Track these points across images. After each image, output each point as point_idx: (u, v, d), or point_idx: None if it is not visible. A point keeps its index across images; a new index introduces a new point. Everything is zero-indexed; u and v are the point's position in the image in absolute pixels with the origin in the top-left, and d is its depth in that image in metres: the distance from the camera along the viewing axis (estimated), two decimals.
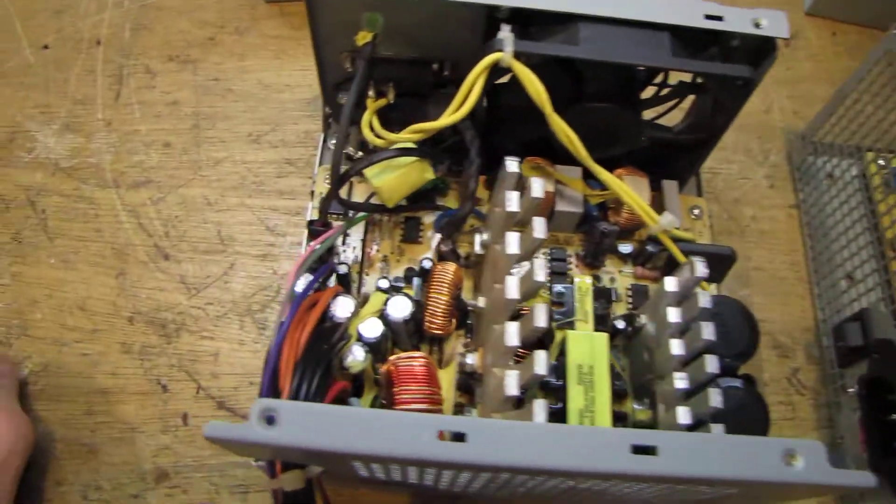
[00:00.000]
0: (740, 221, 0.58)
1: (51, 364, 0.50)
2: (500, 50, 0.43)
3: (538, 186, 0.43)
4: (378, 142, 0.47)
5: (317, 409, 0.36)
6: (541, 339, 0.46)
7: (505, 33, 0.43)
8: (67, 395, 0.50)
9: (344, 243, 0.51)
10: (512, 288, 0.40)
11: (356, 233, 0.52)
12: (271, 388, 0.41)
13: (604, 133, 0.49)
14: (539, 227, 0.41)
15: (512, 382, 0.38)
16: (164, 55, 0.61)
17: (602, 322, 0.46)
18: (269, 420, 0.33)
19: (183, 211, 0.55)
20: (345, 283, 0.50)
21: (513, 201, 0.42)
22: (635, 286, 0.51)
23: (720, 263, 0.49)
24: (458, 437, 0.33)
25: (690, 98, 0.52)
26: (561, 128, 0.45)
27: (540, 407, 0.37)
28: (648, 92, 0.51)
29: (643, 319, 0.47)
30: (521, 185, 0.51)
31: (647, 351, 0.46)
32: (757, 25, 0.45)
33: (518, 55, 0.43)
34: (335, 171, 0.45)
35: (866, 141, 0.55)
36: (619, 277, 0.52)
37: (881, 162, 0.56)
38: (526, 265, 0.42)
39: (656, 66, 0.45)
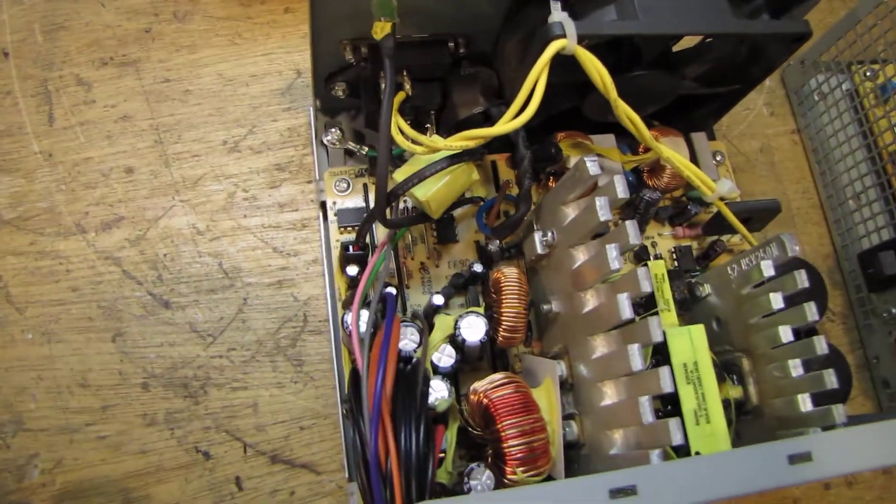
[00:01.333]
0: (749, 156, 0.57)
1: (65, 458, 0.43)
2: (560, 35, 0.38)
3: (622, 187, 0.39)
4: (417, 149, 0.41)
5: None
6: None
7: (559, 14, 0.38)
8: (95, 488, 0.43)
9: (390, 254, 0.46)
10: (625, 306, 0.37)
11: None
12: (377, 470, 0.37)
13: (641, 96, 0.46)
14: (632, 231, 0.38)
15: (647, 408, 0.36)
16: (94, 59, 0.51)
17: (684, 306, 0.44)
18: None
19: (171, 247, 0.48)
20: (393, 306, 0.45)
21: (606, 210, 0.38)
22: (678, 248, 0.50)
23: (765, 215, 0.48)
24: (629, 490, 0.31)
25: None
26: (626, 113, 0.41)
27: (676, 426, 0.35)
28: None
29: (707, 289, 0.46)
30: (564, 162, 0.47)
31: (717, 321, 0.45)
32: None
33: (580, 38, 0.38)
34: (380, 193, 0.39)
35: (845, 56, 0.55)
36: (660, 240, 0.50)
37: (868, 74, 0.56)
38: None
39: (720, 32, 0.42)
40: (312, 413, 0.46)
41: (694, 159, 0.50)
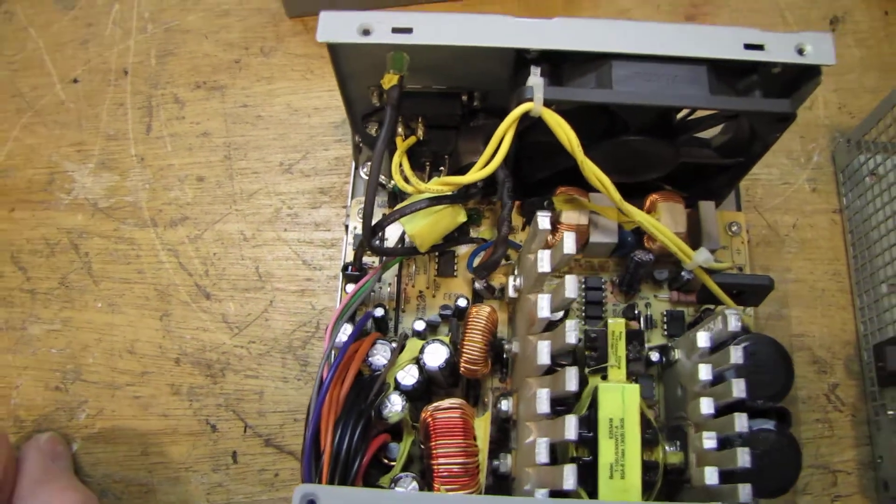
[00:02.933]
0: (780, 231, 0.57)
1: (105, 408, 0.53)
2: (530, 99, 0.42)
3: (570, 242, 0.42)
4: (408, 189, 0.47)
5: (354, 494, 0.37)
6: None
7: (535, 79, 0.42)
8: (124, 437, 0.52)
9: (379, 280, 0.52)
10: (543, 353, 0.40)
11: (392, 269, 0.52)
12: (313, 448, 0.43)
13: (639, 161, 0.48)
14: (570, 286, 0.41)
15: (543, 451, 0.39)
16: (191, 82, 0.61)
17: (636, 365, 0.46)
18: None
19: (221, 248, 0.56)
20: (382, 325, 0.51)
21: (545, 262, 0.42)
22: (671, 312, 0.51)
23: (758, 291, 0.49)
24: None
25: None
26: (592, 171, 0.44)
27: (570, 472, 0.38)
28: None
29: (678, 354, 0.47)
30: (557, 217, 0.51)
31: (681, 387, 0.46)
32: (801, 52, 0.43)
33: (548, 103, 0.42)
34: (366, 223, 0.45)
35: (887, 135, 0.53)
36: (654, 302, 0.52)
37: None
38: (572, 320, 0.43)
39: (693, 106, 0.44)
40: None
41: (696, 224, 0.51)
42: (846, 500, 0.51)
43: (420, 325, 0.49)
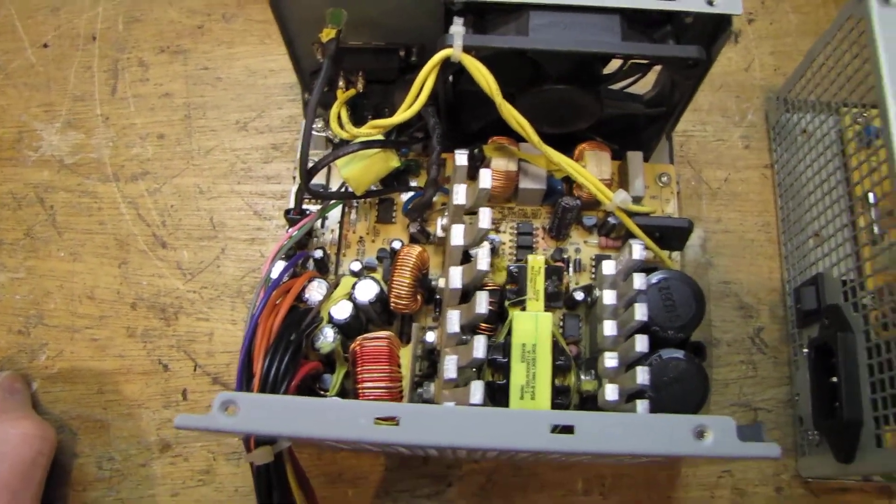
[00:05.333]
0: (711, 185, 0.59)
1: (64, 350, 0.56)
2: (450, 45, 0.44)
3: (486, 177, 0.45)
4: (343, 134, 0.50)
5: (269, 399, 0.40)
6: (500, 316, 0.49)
7: (456, 28, 0.45)
8: (81, 377, 0.55)
9: (323, 226, 0.55)
10: (455, 278, 0.42)
11: (334, 215, 0.55)
12: (244, 372, 0.45)
13: (566, 111, 0.51)
14: (484, 217, 0.44)
15: (451, 367, 0.41)
16: (155, 47, 0.64)
17: (555, 299, 0.48)
18: (229, 410, 0.37)
19: (178, 200, 0.59)
20: (323, 267, 0.53)
21: (460, 194, 0.44)
22: (599, 256, 0.54)
23: (678, 234, 0.51)
24: (392, 420, 0.37)
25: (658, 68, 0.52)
26: (511, 115, 0.46)
27: (477, 388, 0.40)
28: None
29: (598, 292, 0.50)
30: (486, 164, 0.53)
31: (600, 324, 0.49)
32: (710, 2, 0.45)
33: (467, 49, 0.45)
34: (303, 165, 0.48)
35: (839, 96, 0.55)
36: (584, 248, 0.54)
37: (860, 120, 0.56)
38: (484, 247, 0.45)
39: (604, 52, 0.46)
40: None
41: (625, 175, 0.54)
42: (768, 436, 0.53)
43: (356, 266, 0.52)
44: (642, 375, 0.41)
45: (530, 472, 0.52)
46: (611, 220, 0.52)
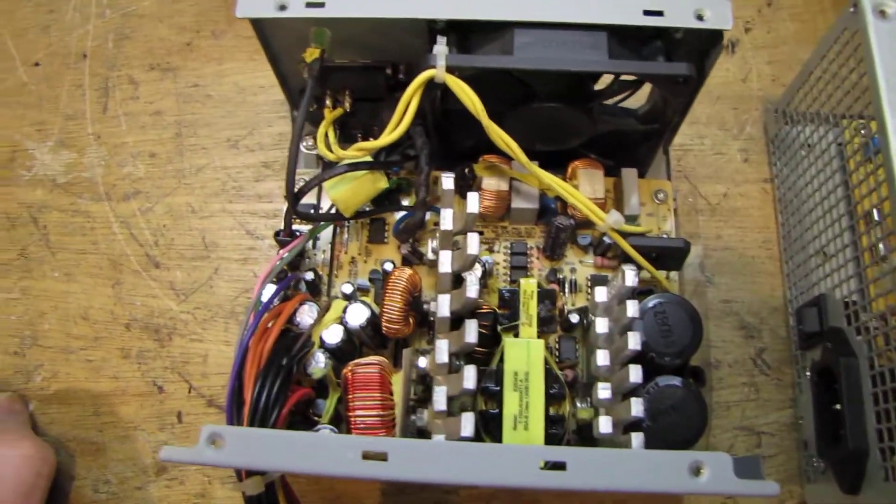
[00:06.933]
0: (710, 200, 0.58)
1: (60, 371, 0.55)
2: (433, 66, 0.44)
3: (474, 202, 0.44)
4: (330, 156, 0.49)
5: (256, 434, 0.39)
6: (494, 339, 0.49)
7: (439, 48, 0.44)
8: (76, 398, 0.55)
9: (315, 247, 0.54)
10: (444, 306, 0.42)
11: (327, 235, 0.54)
12: (234, 398, 0.45)
13: (557, 128, 0.50)
14: (472, 243, 0.43)
15: (440, 399, 0.41)
16: (145, 64, 0.64)
17: (548, 323, 0.48)
18: (216, 443, 0.37)
19: (170, 220, 0.59)
20: (314, 289, 0.53)
21: (447, 220, 0.44)
22: (595, 276, 0.53)
23: (675, 254, 0.50)
24: (381, 456, 0.36)
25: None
26: (498, 135, 0.46)
27: (467, 420, 0.40)
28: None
29: (592, 316, 0.49)
30: (478, 183, 0.52)
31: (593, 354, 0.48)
32: (700, 17, 0.44)
33: (451, 69, 0.44)
34: (290, 188, 0.47)
35: (838, 109, 0.54)
36: (580, 267, 0.53)
37: (863, 132, 0.55)
38: (473, 273, 0.45)
39: (590, 70, 0.45)
40: None
41: (619, 192, 0.53)
42: (770, 460, 0.52)
43: (348, 288, 0.51)
44: (636, 407, 0.41)
45: (531, 498, 0.52)
46: (606, 239, 0.51)
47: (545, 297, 0.48)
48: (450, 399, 0.43)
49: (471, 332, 0.41)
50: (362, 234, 0.54)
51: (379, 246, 0.54)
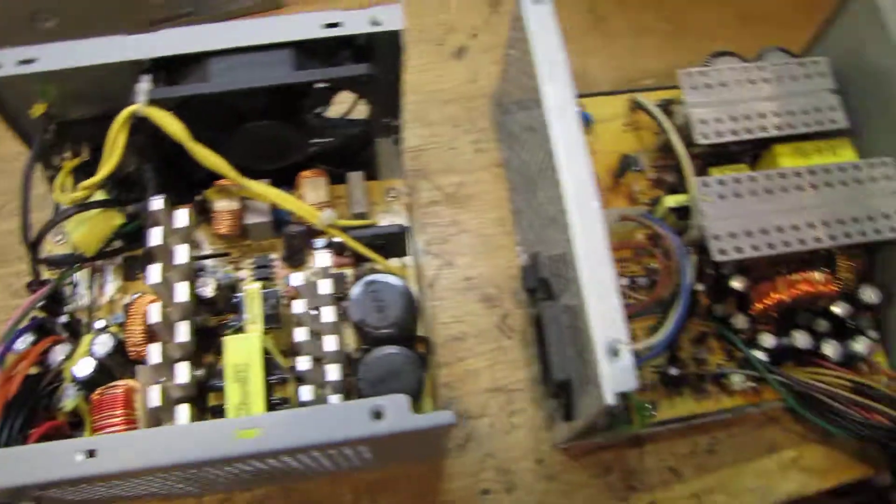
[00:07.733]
0: (446, 190, 0.63)
1: None
2: (133, 102, 0.47)
3: (183, 217, 0.48)
4: (64, 200, 0.52)
5: None
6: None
7: (142, 84, 0.48)
8: None
9: (74, 292, 0.57)
10: (154, 314, 0.45)
11: (85, 279, 0.57)
12: None
13: (274, 145, 0.54)
14: (181, 253, 0.46)
15: (154, 396, 0.44)
16: None
17: (274, 320, 0.51)
18: None
19: None
20: (74, 330, 0.55)
21: (154, 237, 0.47)
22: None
23: (396, 240, 0.55)
24: (91, 453, 0.39)
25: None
26: (203, 155, 0.50)
27: (182, 411, 0.43)
28: None
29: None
30: (210, 207, 0.56)
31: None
32: (375, 23, 0.49)
33: (155, 102, 0.48)
34: (26, 237, 0.50)
35: (530, 93, 0.60)
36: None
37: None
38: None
39: (276, 84, 0.49)
40: None
41: (349, 195, 0.57)
42: (521, 413, 0.56)
43: (100, 324, 0.54)
44: (333, 373, 0.44)
45: (301, 497, 0.54)
46: (335, 239, 0.56)
47: (269, 297, 0.52)
48: (177, 400, 0.46)
49: (181, 332, 0.45)
50: (117, 274, 0.57)
51: (135, 283, 0.57)
